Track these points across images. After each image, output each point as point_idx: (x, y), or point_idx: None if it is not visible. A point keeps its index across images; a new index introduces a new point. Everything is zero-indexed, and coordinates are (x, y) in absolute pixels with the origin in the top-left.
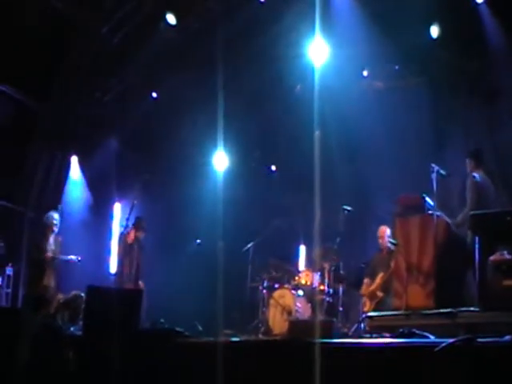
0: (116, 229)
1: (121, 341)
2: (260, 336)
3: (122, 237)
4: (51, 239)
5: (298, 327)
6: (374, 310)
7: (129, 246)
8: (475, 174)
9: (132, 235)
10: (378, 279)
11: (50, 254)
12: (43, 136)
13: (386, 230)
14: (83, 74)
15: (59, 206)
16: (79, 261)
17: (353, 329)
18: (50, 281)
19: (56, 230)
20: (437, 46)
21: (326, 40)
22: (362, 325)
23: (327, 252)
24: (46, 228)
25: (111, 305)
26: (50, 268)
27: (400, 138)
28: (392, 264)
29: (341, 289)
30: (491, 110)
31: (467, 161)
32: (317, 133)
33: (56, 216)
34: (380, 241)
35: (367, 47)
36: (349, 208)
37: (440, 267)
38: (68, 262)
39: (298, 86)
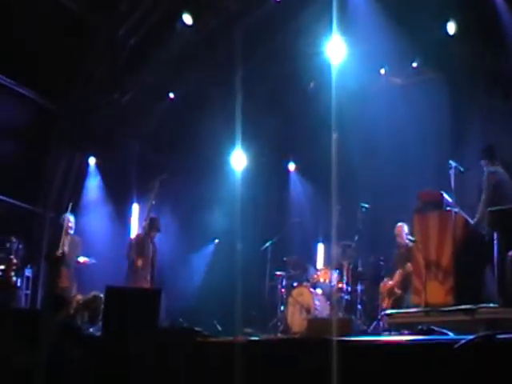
0: (134, 229)
1: (140, 341)
2: (279, 334)
3: (137, 238)
4: (66, 240)
5: (317, 325)
6: (393, 308)
7: (142, 247)
8: (491, 169)
9: (148, 237)
10: (397, 276)
11: (58, 254)
12: (62, 138)
13: (403, 228)
14: (101, 76)
15: (70, 205)
16: (93, 263)
17: (372, 326)
18: (67, 282)
19: (71, 231)
20: (454, 41)
21: (344, 38)
22: (381, 322)
23: (345, 250)
24: (62, 229)
25: (130, 305)
26: (64, 268)
27: (418, 133)
28: (410, 261)
29: (359, 286)
30: (510, 104)
31: (482, 162)
32: (334, 135)
33: (71, 218)
34: (397, 239)
35: (384, 44)
36: (367, 205)
37: (459, 263)
38: (82, 263)
39: (312, 83)
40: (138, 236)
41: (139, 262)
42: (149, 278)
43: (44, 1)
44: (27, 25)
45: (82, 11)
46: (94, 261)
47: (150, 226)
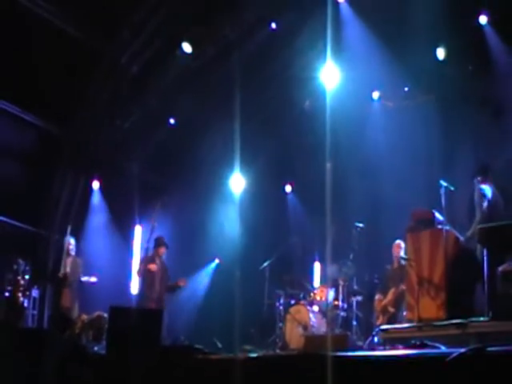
0: (137, 250)
1: (143, 359)
2: (277, 351)
3: (145, 259)
4: (67, 262)
5: (314, 342)
6: (386, 324)
7: (151, 269)
8: (483, 187)
9: (156, 254)
10: (390, 295)
11: (60, 275)
12: (67, 162)
13: (400, 245)
14: (104, 102)
15: (69, 228)
16: (94, 283)
17: (367, 342)
18: (69, 302)
19: (72, 253)
20: (444, 66)
21: (337, 63)
22: (376, 337)
23: (341, 268)
24: (63, 252)
25: (133, 324)
26: (66, 289)
27: (411, 154)
28: (404, 280)
29: (355, 303)
30: (499, 126)
31: (475, 180)
32: (328, 165)
33: (72, 240)
34: (395, 254)
35: (377, 70)
36: (361, 225)
37: (450, 279)
38: (84, 283)
39: (307, 102)
40: (143, 259)
41: (149, 283)
42: (156, 296)
43: (48, 28)
44: (31, 52)
45: (86, 39)
46: (95, 279)
47: (157, 245)
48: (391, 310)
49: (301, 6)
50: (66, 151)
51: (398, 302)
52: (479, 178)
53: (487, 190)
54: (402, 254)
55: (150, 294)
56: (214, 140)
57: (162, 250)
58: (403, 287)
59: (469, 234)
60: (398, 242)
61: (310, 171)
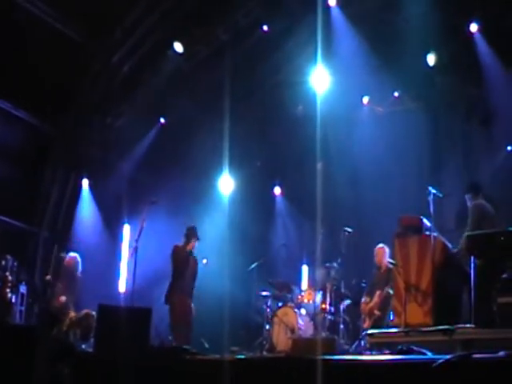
0: (125, 250)
1: (130, 358)
2: (264, 353)
3: (177, 250)
4: (75, 285)
5: (301, 345)
6: (373, 328)
7: (186, 259)
8: (476, 203)
9: (190, 246)
10: (376, 298)
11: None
12: (57, 159)
13: (384, 249)
14: (96, 101)
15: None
16: (84, 282)
17: (354, 346)
18: (66, 297)
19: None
20: (434, 73)
21: (328, 68)
22: (363, 342)
23: (329, 272)
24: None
25: (121, 323)
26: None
27: (400, 160)
28: (390, 282)
29: (342, 307)
30: (488, 133)
31: (466, 196)
32: (319, 165)
33: (78, 258)
34: (376, 259)
35: (367, 75)
36: (349, 229)
37: (437, 286)
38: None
39: (300, 107)
40: (176, 247)
41: (184, 275)
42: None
43: (41, 26)
44: (24, 49)
45: (79, 37)
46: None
47: (191, 235)
48: (377, 313)
49: (292, 9)
50: (56, 149)
51: (383, 304)
52: (470, 195)
53: (479, 205)
54: (389, 258)
55: (183, 286)
56: (204, 141)
57: (194, 243)
58: (389, 290)
59: (460, 247)
60: (380, 246)
61: (299, 174)
